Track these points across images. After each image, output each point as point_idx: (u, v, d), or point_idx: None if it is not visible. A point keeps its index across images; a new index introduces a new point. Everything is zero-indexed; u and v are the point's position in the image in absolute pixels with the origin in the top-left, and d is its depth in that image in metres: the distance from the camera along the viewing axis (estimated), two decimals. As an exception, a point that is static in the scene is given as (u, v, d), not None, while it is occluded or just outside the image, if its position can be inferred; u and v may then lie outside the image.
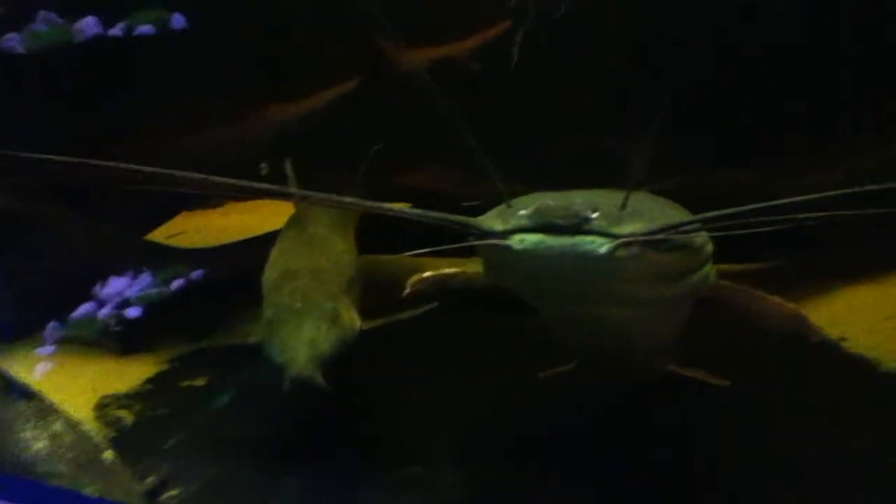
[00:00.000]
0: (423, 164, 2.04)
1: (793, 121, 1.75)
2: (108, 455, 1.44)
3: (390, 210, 1.17)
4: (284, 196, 1.76)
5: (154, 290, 2.23)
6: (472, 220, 1.11)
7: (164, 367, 1.96)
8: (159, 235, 2.29)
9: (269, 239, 1.88)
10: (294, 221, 1.87)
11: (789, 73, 1.75)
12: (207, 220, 2.53)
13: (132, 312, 2.13)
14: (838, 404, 1.53)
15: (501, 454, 1.49)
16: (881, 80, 1.71)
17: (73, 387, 1.89)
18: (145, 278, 2.27)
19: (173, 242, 2.37)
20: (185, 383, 1.88)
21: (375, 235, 1.96)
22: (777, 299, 1.23)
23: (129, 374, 1.93)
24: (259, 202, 2.47)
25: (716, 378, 1.50)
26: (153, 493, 1.44)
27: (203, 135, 2.05)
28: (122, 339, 2.06)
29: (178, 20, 2.09)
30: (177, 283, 2.22)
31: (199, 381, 1.87)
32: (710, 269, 1.19)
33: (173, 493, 1.46)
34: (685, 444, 1.45)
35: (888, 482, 1.33)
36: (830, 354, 1.66)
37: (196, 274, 2.24)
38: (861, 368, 1.64)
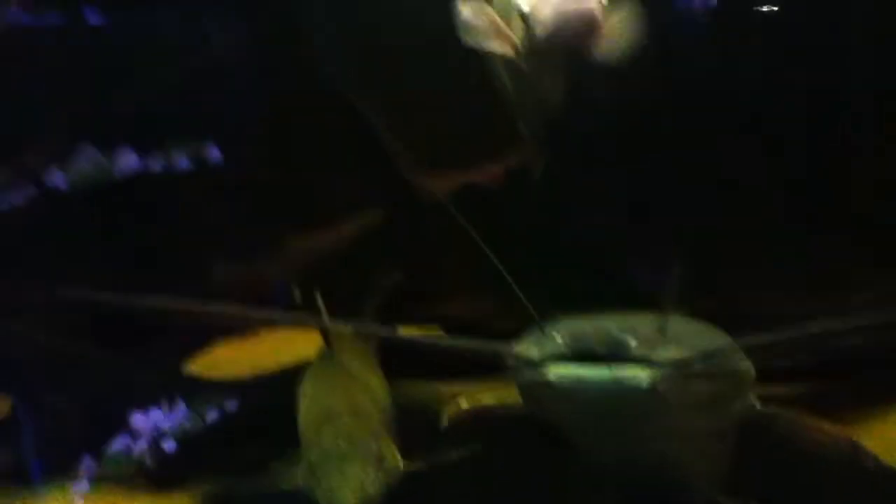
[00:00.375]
0: (455, 292, 2.03)
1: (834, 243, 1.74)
2: None
3: (425, 340, 1.17)
4: (322, 325, 1.76)
5: (188, 423, 2.22)
6: (506, 349, 1.10)
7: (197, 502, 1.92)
8: (194, 367, 2.29)
9: (301, 370, 1.87)
10: (325, 354, 1.86)
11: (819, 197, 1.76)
12: (241, 351, 2.53)
13: (167, 446, 2.11)
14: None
15: None
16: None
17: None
18: (180, 411, 2.26)
19: (208, 374, 2.37)
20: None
21: (405, 362, 1.95)
22: (826, 425, 1.19)
23: (160, 511, 1.90)
24: (293, 330, 2.47)
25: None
26: None
27: (236, 268, 2.08)
28: (157, 475, 2.04)
29: (214, 154, 2.17)
30: (211, 416, 2.21)
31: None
32: (751, 393, 1.16)
33: None
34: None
35: None
36: (887, 482, 1.59)
37: (231, 406, 2.23)
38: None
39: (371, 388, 1.71)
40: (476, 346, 1.11)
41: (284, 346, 2.43)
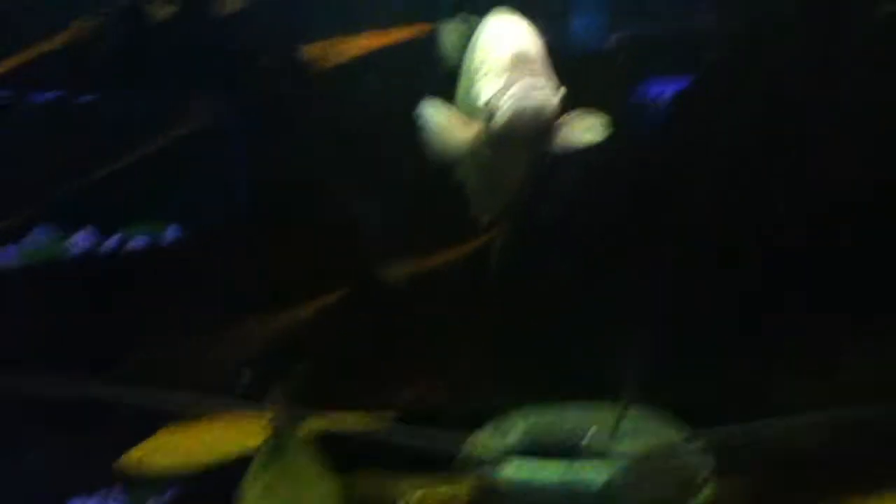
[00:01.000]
0: (411, 376, 2.01)
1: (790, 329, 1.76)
2: None
3: (379, 433, 1.14)
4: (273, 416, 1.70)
5: None
6: (461, 444, 1.09)
7: None
8: (137, 453, 2.20)
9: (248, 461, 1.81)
10: (271, 451, 1.76)
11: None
12: (187, 437, 2.44)
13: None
14: None
15: None
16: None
17: None
18: (118, 500, 2.17)
19: (151, 461, 2.29)
20: None
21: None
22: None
23: None
24: (242, 417, 2.40)
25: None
26: None
27: (191, 348, 2.04)
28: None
29: (172, 233, 2.15)
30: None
31: None
32: (710, 491, 1.15)
33: None
34: None
35: None
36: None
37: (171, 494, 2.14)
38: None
39: (325, 489, 1.63)
40: (430, 441, 1.09)
41: (233, 433, 2.36)
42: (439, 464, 1.24)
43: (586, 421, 1.02)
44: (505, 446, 1.03)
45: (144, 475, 2.16)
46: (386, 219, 1.95)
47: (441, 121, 1.36)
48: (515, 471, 1.01)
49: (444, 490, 1.34)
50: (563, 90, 1.20)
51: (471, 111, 1.35)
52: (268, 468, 1.70)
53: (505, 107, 1.20)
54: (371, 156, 1.94)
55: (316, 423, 1.80)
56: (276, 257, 2.06)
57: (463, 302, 1.93)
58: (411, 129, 1.41)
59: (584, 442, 1.00)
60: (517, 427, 1.04)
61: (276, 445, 1.75)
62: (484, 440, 1.07)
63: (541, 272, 1.87)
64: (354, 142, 1.95)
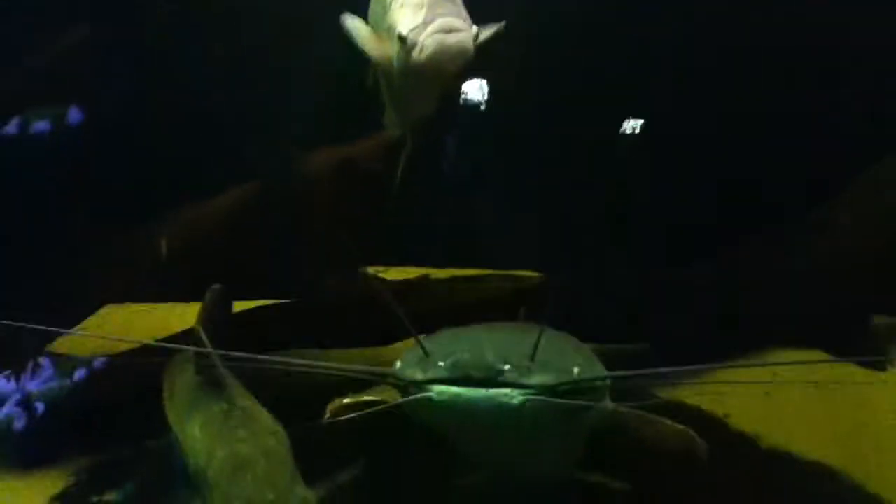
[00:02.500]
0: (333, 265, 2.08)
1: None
2: None
3: (316, 366, 1.23)
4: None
5: (55, 383, 2.16)
6: (392, 371, 1.19)
7: (71, 481, 1.92)
8: (63, 344, 2.22)
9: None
10: (209, 392, 1.70)
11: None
12: (131, 316, 2.46)
13: (35, 411, 2.06)
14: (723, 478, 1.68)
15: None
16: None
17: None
18: (46, 370, 2.20)
19: (77, 348, 2.31)
20: (96, 499, 1.85)
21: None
22: (668, 421, 1.36)
23: (33, 491, 1.88)
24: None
25: (618, 482, 1.62)
26: None
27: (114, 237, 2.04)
28: (25, 444, 2.01)
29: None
30: (80, 374, 2.16)
31: (110, 496, 1.85)
32: (608, 398, 1.31)
33: None
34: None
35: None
36: (717, 431, 1.81)
37: (99, 364, 2.18)
38: (744, 443, 1.79)
39: (270, 426, 1.62)
40: (359, 370, 1.19)
41: (169, 315, 2.39)
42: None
43: (504, 353, 1.13)
44: (432, 376, 1.14)
45: (77, 354, 2.20)
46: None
47: (361, 33, 1.38)
48: (438, 395, 1.12)
49: (370, 397, 1.46)
50: (476, 31, 1.23)
51: (381, 33, 1.38)
52: (211, 414, 1.64)
53: (426, 44, 1.22)
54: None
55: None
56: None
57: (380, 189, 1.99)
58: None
59: (504, 372, 1.11)
60: (442, 356, 1.14)
61: (214, 390, 1.69)
62: (412, 370, 1.17)
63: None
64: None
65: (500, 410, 1.10)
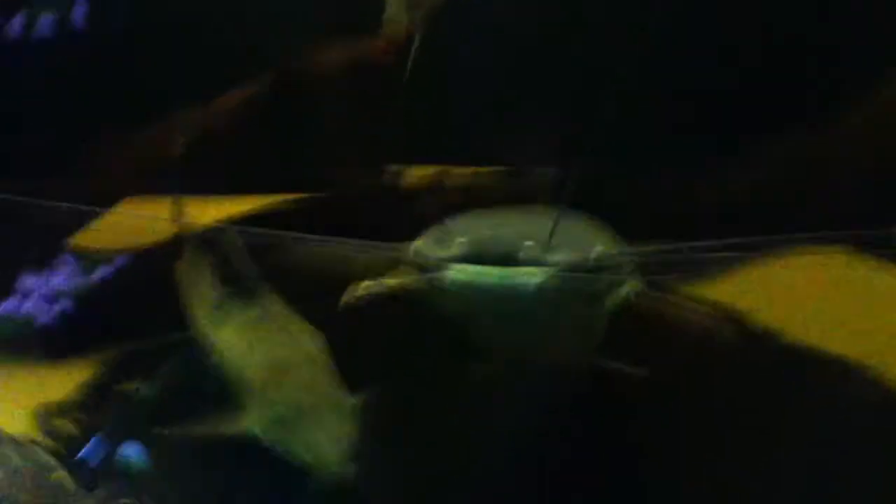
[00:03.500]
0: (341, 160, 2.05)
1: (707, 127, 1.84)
2: (59, 475, 1.45)
3: (333, 241, 1.22)
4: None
5: (80, 280, 2.18)
6: (411, 249, 1.18)
7: (100, 370, 1.95)
8: (78, 240, 2.23)
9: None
10: (240, 296, 1.67)
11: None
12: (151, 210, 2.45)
13: (60, 306, 2.09)
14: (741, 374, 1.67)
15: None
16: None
17: (5, 399, 1.87)
18: (70, 268, 2.21)
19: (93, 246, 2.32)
20: (119, 388, 1.88)
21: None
22: (690, 304, 1.34)
23: (64, 381, 1.92)
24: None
25: (636, 369, 1.62)
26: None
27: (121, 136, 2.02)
28: (50, 337, 2.05)
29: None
30: (102, 273, 2.18)
31: (138, 384, 1.87)
32: (634, 284, 1.29)
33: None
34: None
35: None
36: (737, 327, 1.80)
37: (122, 262, 2.19)
38: (762, 339, 1.78)
39: (307, 332, 1.59)
40: (376, 248, 1.18)
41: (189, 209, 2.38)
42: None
43: (523, 232, 1.11)
44: (448, 255, 1.13)
45: (96, 251, 2.21)
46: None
47: None
48: (456, 274, 1.11)
49: (389, 282, 1.45)
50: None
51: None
52: (242, 318, 1.62)
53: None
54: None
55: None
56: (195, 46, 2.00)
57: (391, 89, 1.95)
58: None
59: (522, 251, 1.09)
60: (460, 238, 1.13)
61: (249, 294, 1.65)
62: (428, 249, 1.16)
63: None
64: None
65: (520, 291, 1.09)
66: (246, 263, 1.60)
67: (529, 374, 1.51)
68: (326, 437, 1.39)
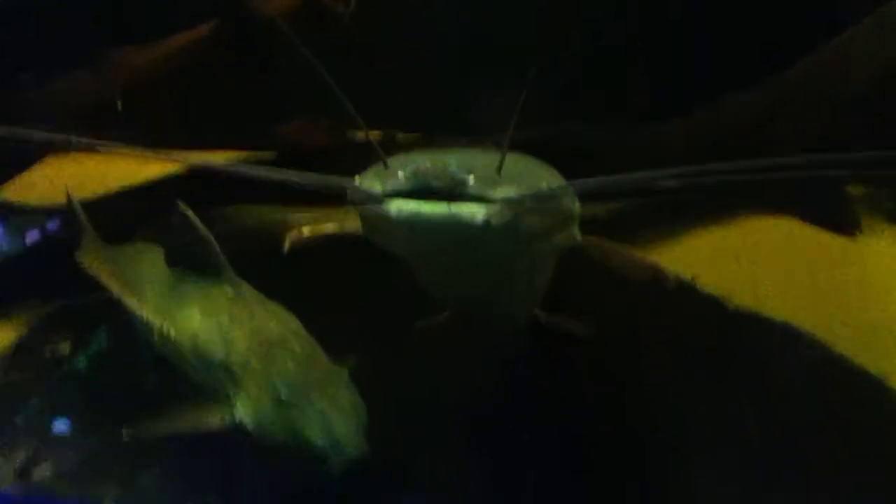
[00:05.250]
0: (289, 114, 1.99)
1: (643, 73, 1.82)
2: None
3: (267, 174, 1.16)
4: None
5: (4, 243, 2.11)
6: (349, 182, 1.12)
7: (24, 330, 1.87)
8: (8, 191, 2.14)
9: (133, 194, 1.79)
10: (198, 277, 1.52)
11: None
12: (61, 171, 2.37)
13: (-17, 265, 2.01)
14: (690, 340, 1.66)
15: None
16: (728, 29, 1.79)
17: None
18: None
19: (25, 196, 2.23)
20: (50, 347, 1.80)
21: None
22: (635, 252, 1.32)
23: (-13, 339, 1.84)
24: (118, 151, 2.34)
25: (580, 324, 1.59)
26: (24, 473, 1.38)
27: (52, 82, 1.93)
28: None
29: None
30: (31, 236, 2.11)
31: (63, 345, 1.80)
32: (576, 226, 1.25)
33: (46, 471, 1.41)
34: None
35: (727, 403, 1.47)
36: (684, 294, 1.78)
37: (52, 225, 2.12)
38: (711, 306, 1.77)
39: (282, 308, 1.49)
40: (316, 180, 1.11)
41: (110, 166, 2.31)
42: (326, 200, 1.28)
43: (469, 166, 1.05)
44: (391, 187, 1.07)
45: (24, 206, 2.12)
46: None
47: None
48: (403, 205, 1.05)
49: (330, 225, 1.40)
50: None
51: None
52: (227, 300, 1.48)
53: None
54: None
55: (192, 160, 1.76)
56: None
57: (346, 34, 1.89)
58: None
59: (468, 184, 1.04)
60: (403, 170, 1.07)
61: (218, 274, 1.49)
62: (370, 181, 1.10)
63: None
64: None
65: (462, 227, 1.04)
66: (206, 240, 1.47)
67: (477, 325, 1.47)
68: (339, 412, 1.28)
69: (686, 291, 1.79)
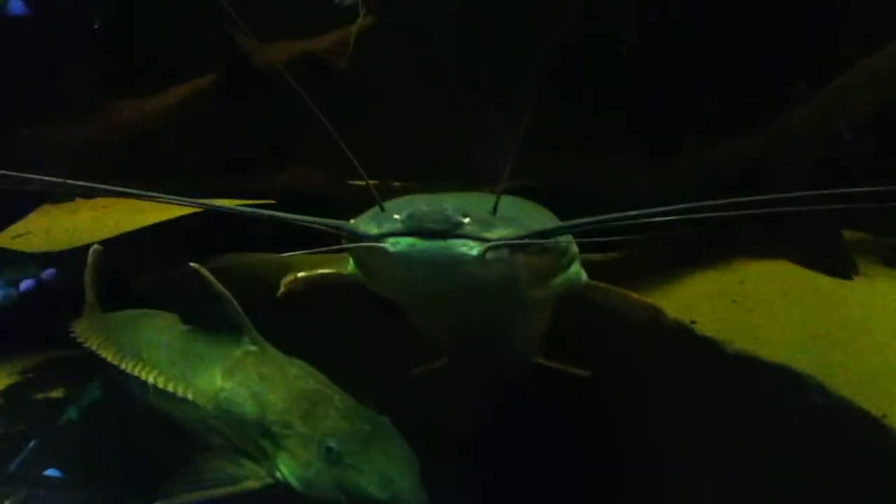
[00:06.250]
0: (286, 162, 2.00)
1: (642, 116, 1.84)
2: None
3: (267, 214, 1.15)
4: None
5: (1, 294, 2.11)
6: (346, 224, 1.12)
7: (17, 378, 1.85)
8: (4, 238, 2.14)
9: (125, 241, 1.79)
10: (212, 337, 1.46)
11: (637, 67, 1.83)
12: (55, 219, 2.38)
13: (-23, 315, 2.00)
14: (689, 383, 1.65)
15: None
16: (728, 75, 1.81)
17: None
18: None
19: (20, 245, 2.23)
20: (41, 395, 1.78)
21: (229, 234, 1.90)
22: (635, 295, 1.31)
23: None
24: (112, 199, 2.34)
25: (579, 369, 1.58)
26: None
27: (48, 132, 1.94)
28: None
29: (16, 5, 1.97)
30: (25, 285, 2.10)
31: (56, 393, 1.78)
32: (577, 270, 1.25)
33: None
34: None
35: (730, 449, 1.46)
36: (683, 337, 1.78)
37: (47, 275, 2.12)
38: (710, 349, 1.76)
39: (301, 363, 1.44)
40: (317, 222, 1.11)
41: (104, 215, 2.32)
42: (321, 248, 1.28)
43: (464, 208, 1.06)
44: (388, 228, 1.07)
45: (16, 257, 2.12)
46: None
47: None
48: (392, 246, 1.05)
49: (326, 269, 1.39)
50: None
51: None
52: (253, 360, 1.41)
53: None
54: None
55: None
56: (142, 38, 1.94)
57: (344, 83, 1.92)
58: None
59: (463, 224, 1.04)
60: (399, 212, 1.07)
61: (241, 338, 1.43)
62: (366, 223, 1.10)
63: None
64: None
65: (457, 263, 1.03)
66: (223, 297, 1.42)
67: (475, 370, 1.46)
68: (395, 464, 1.22)
69: (685, 334, 1.79)
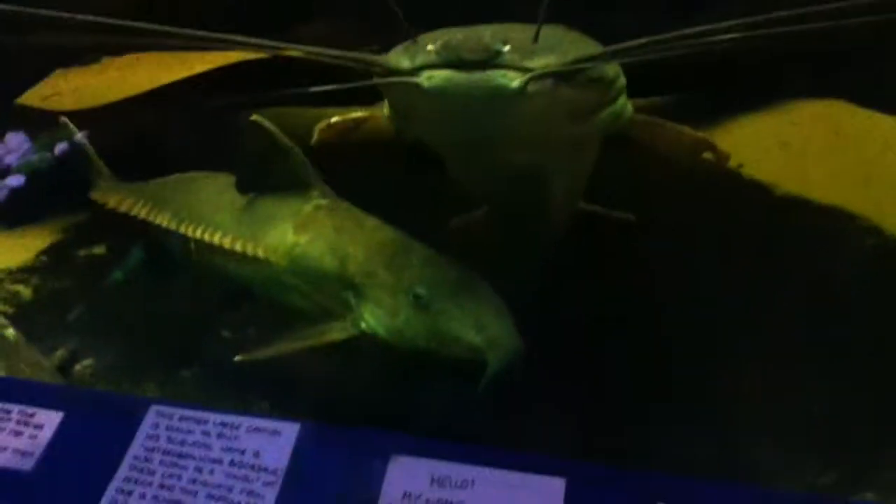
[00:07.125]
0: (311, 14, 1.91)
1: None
2: (10, 333, 1.38)
3: (292, 49, 1.09)
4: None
5: (35, 157, 2.10)
6: (376, 59, 1.06)
7: (59, 237, 1.86)
8: (33, 98, 2.11)
9: (153, 97, 1.74)
10: (277, 194, 1.39)
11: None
12: (83, 79, 2.33)
13: (14, 182, 2.00)
14: (736, 228, 1.60)
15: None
16: None
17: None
18: (23, 145, 2.12)
19: (51, 105, 2.21)
20: (84, 252, 1.79)
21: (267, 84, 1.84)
22: (687, 129, 1.24)
23: (21, 247, 1.83)
24: (137, 56, 2.28)
25: (622, 213, 1.54)
26: (64, 367, 1.39)
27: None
28: (7, 211, 1.95)
29: None
30: (60, 149, 2.09)
31: (98, 250, 1.79)
32: (623, 104, 1.18)
33: (86, 364, 1.41)
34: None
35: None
36: (730, 181, 1.72)
37: (80, 136, 2.11)
38: (758, 193, 1.71)
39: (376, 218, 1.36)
40: (345, 56, 1.05)
41: (132, 73, 2.27)
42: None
43: (503, 36, 0.98)
44: (422, 61, 1.00)
45: (47, 114, 2.09)
46: None
47: None
48: (428, 80, 0.99)
49: (358, 114, 1.34)
50: None
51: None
52: (325, 212, 1.36)
53: None
54: None
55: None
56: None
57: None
58: None
59: (502, 53, 0.97)
60: (434, 44, 1.00)
61: (312, 191, 1.37)
62: (400, 56, 1.04)
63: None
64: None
65: (497, 96, 0.96)
66: (289, 150, 1.35)
67: (516, 221, 1.40)
68: (488, 310, 1.16)
69: (732, 178, 1.73)
